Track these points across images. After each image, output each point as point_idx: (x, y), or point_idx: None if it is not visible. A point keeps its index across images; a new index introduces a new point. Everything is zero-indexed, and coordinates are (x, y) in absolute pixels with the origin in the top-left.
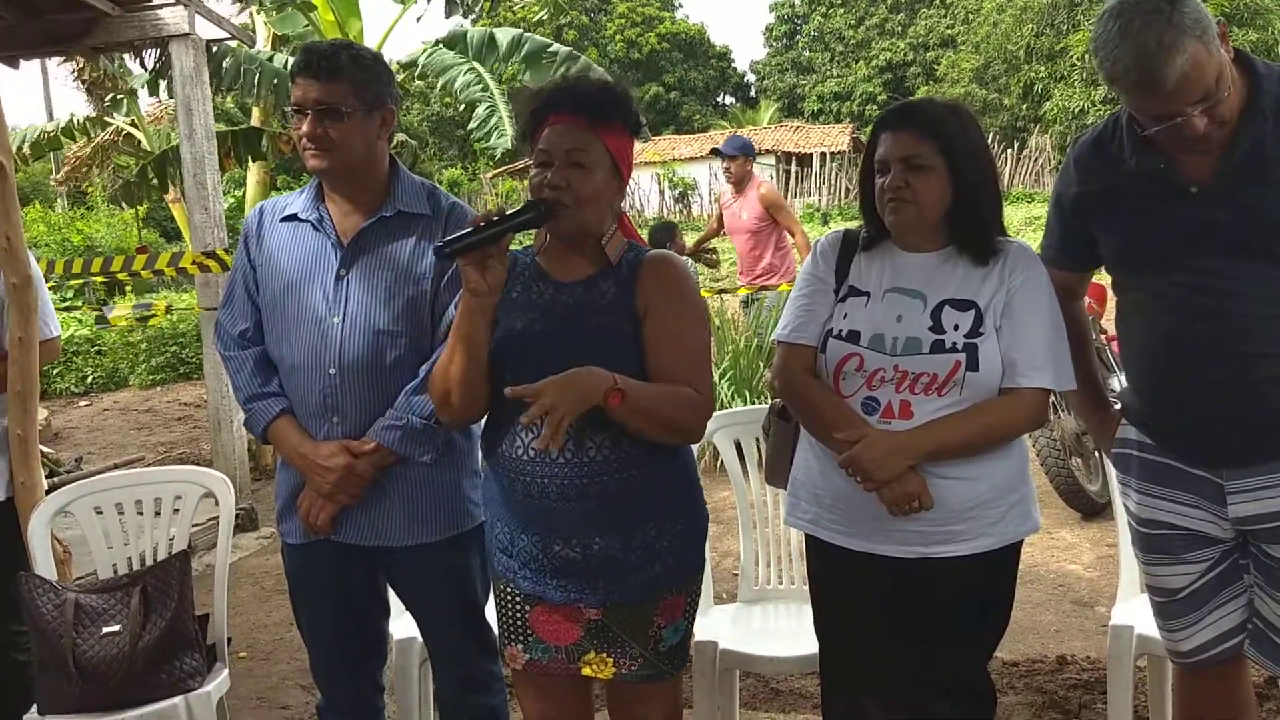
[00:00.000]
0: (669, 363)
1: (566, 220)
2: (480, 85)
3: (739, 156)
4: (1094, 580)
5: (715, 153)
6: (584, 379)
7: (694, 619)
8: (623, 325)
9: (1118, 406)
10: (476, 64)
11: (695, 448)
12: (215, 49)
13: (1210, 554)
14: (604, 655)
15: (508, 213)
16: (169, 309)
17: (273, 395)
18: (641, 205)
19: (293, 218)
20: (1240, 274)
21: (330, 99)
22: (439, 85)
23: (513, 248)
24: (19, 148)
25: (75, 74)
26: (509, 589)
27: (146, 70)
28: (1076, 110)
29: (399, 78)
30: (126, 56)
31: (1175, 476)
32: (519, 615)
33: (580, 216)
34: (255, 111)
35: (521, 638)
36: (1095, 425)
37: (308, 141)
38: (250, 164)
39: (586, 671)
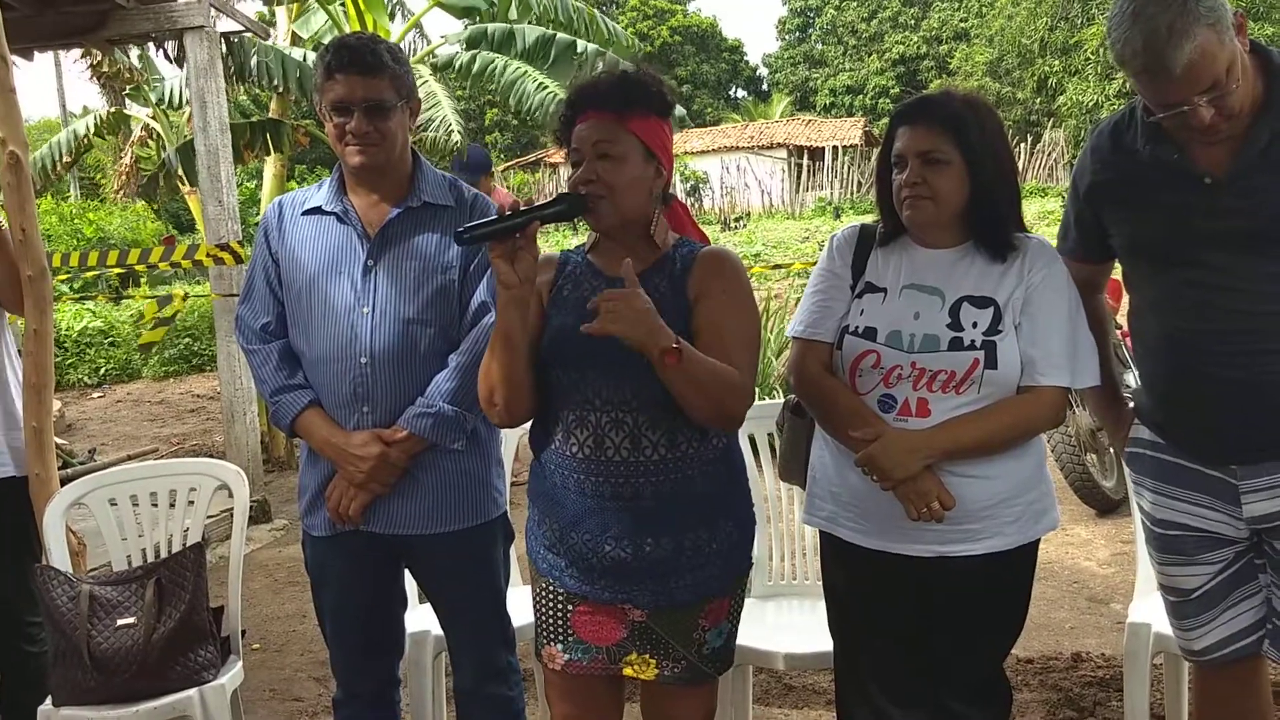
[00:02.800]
0: (717, 345)
1: (603, 212)
2: (518, 70)
3: (479, 176)
4: (1109, 577)
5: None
6: (655, 319)
7: (739, 621)
8: (675, 321)
9: (1132, 405)
10: (504, 57)
11: None
12: (235, 40)
13: (1224, 554)
14: (646, 656)
15: (536, 204)
16: (185, 296)
17: (299, 388)
18: None
19: (316, 210)
20: (1252, 270)
21: (377, 94)
22: (472, 82)
23: (565, 248)
24: (55, 154)
25: (91, 67)
26: (552, 587)
27: (170, 60)
28: (1090, 104)
29: (434, 81)
30: (151, 49)
31: (1189, 476)
32: (561, 614)
33: (617, 207)
34: (273, 104)
35: (561, 638)
36: (1110, 423)
37: (354, 138)
38: (268, 156)
39: (628, 672)
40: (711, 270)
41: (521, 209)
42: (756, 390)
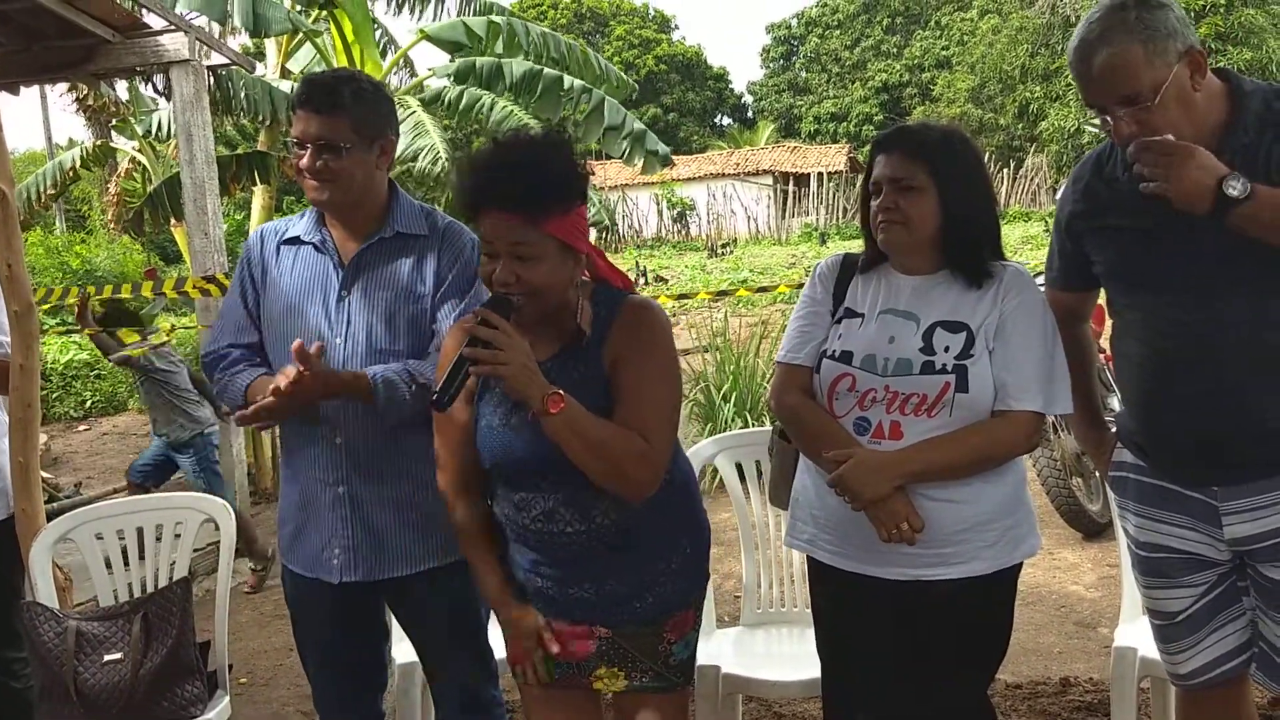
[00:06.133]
0: (626, 411)
1: (527, 311)
2: (505, 109)
3: None
4: (1096, 601)
5: None
6: (536, 370)
7: (699, 629)
8: (593, 399)
9: (1114, 429)
10: (491, 94)
11: (696, 468)
12: (223, 74)
13: (1208, 577)
14: (615, 670)
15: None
16: (172, 329)
17: (240, 363)
18: (640, 225)
19: (295, 240)
20: (1226, 294)
21: (329, 134)
22: (460, 116)
23: None
24: (40, 186)
25: (76, 101)
26: None
27: (159, 93)
28: (1072, 129)
29: (421, 112)
30: (140, 83)
31: (1171, 499)
32: None
33: (540, 304)
34: (261, 136)
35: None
36: (1092, 447)
37: (307, 174)
38: (255, 187)
39: (598, 686)
40: (627, 334)
41: (464, 355)
42: (745, 416)
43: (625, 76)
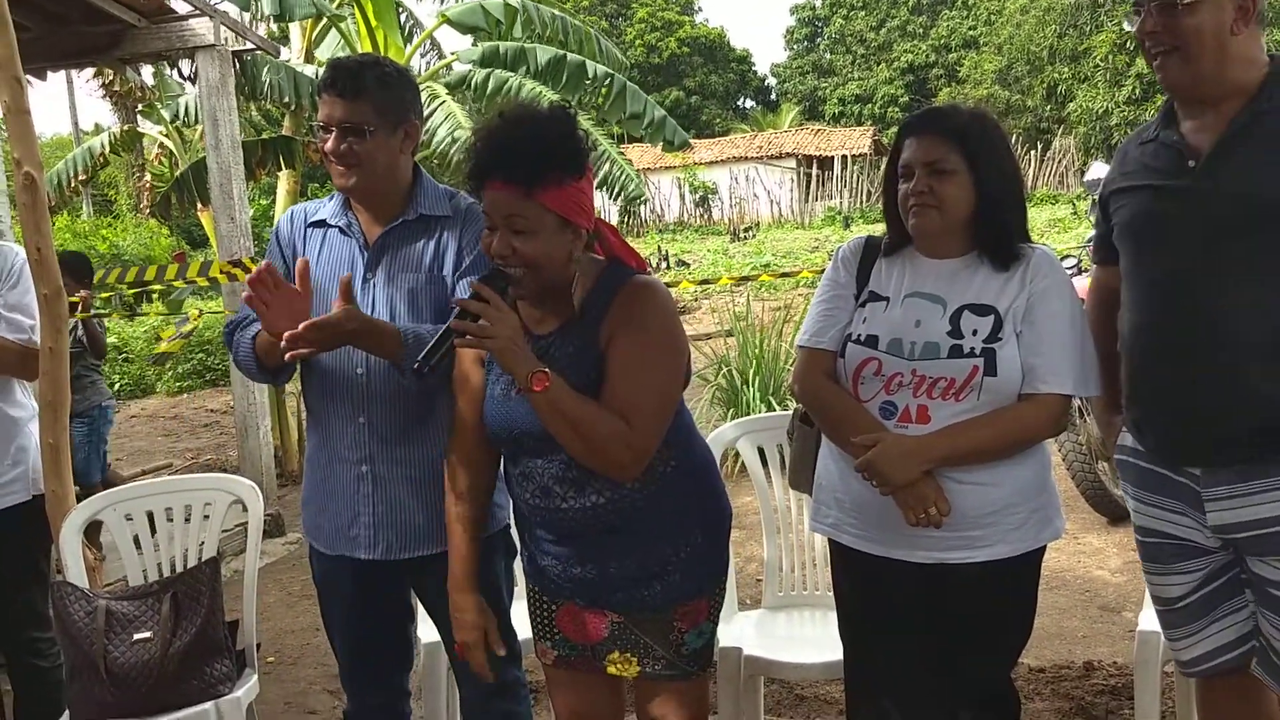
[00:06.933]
0: (610, 391)
1: (524, 284)
2: (534, 90)
3: None
4: (1121, 585)
5: None
6: (524, 344)
7: (718, 620)
8: (584, 377)
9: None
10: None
11: (718, 452)
12: (248, 59)
13: (1202, 564)
14: (628, 655)
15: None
16: (200, 314)
17: (255, 323)
18: (662, 210)
19: (321, 223)
20: (1214, 260)
21: (354, 118)
22: (487, 100)
23: None
24: (70, 172)
25: (103, 86)
26: (536, 589)
27: (184, 78)
28: (1100, 111)
29: (450, 96)
30: (165, 68)
31: (1162, 483)
32: (546, 614)
33: (537, 278)
34: (286, 121)
35: (549, 635)
36: (1104, 428)
37: (332, 158)
38: (280, 172)
39: (611, 670)
40: (624, 314)
41: (454, 317)
42: (769, 400)
43: (621, 56)
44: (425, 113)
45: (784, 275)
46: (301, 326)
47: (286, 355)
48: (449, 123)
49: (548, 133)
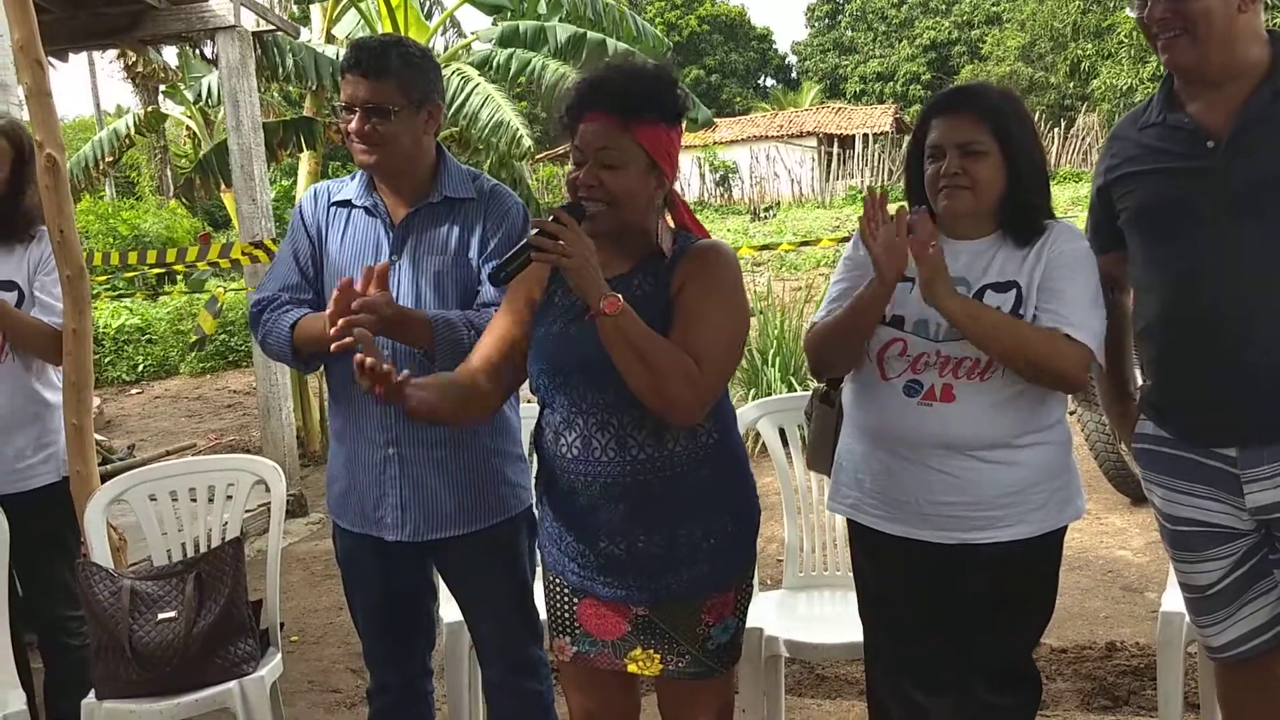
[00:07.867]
0: (682, 332)
1: (601, 220)
2: (557, 70)
3: None
4: (1143, 566)
5: None
6: (598, 269)
7: (745, 616)
8: (653, 319)
9: (1138, 401)
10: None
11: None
12: (269, 39)
13: (1235, 549)
14: (651, 651)
15: (555, 208)
16: (224, 292)
17: (282, 308)
18: (683, 189)
19: (345, 203)
20: (1240, 241)
21: (377, 98)
22: (510, 80)
23: None
24: (96, 154)
25: (125, 67)
26: (558, 581)
27: (205, 59)
28: (1124, 88)
29: (483, 78)
30: (188, 49)
31: (1193, 470)
32: (567, 608)
33: (615, 216)
34: (307, 101)
35: (569, 630)
36: (1116, 417)
37: (356, 138)
38: (301, 153)
39: (632, 668)
40: (696, 264)
41: (533, 231)
42: (790, 380)
43: (662, 36)
44: (461, 97)
45: (804, 244)
46: (355, 304)
47: (334, 346)
48: (489, 106)
49: (651, 75)
